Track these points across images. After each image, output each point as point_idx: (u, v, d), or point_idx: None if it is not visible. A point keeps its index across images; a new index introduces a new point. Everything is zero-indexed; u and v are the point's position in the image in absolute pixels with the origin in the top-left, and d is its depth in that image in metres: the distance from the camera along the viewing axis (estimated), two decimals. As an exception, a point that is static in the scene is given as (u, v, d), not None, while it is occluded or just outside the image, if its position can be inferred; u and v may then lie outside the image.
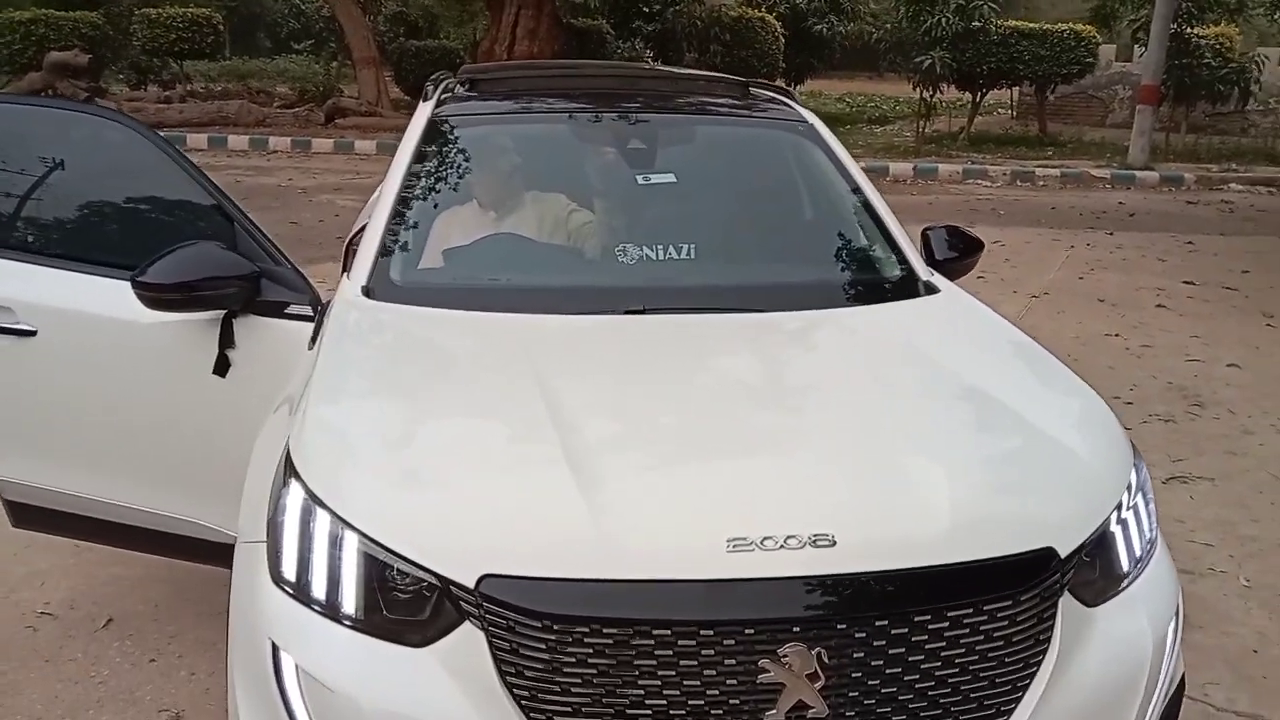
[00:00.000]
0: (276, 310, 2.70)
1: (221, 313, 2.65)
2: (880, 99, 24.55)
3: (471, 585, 1.64)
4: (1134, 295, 7.68)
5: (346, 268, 3.95)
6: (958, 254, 3.07)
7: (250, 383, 2.68)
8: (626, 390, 2.17)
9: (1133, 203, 12.37)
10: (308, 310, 2.69)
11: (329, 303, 2.66)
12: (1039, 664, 1.74)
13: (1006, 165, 14.58)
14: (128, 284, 2.54)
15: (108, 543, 3.10)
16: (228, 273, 2.58)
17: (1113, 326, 6.79)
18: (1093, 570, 1.86)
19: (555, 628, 1.62)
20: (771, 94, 3.52)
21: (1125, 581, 1.91)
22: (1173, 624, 1.97)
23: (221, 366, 2.70)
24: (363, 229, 3.71)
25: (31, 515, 2.99)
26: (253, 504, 2.03)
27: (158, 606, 3.29)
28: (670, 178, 3.01)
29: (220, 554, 2.89)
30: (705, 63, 17.51)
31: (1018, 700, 1.73)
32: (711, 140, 3.24)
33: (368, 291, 2.58)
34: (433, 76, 3.60)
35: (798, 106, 3.43)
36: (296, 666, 1.72)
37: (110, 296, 2.70)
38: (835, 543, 1.68)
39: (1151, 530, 2.03)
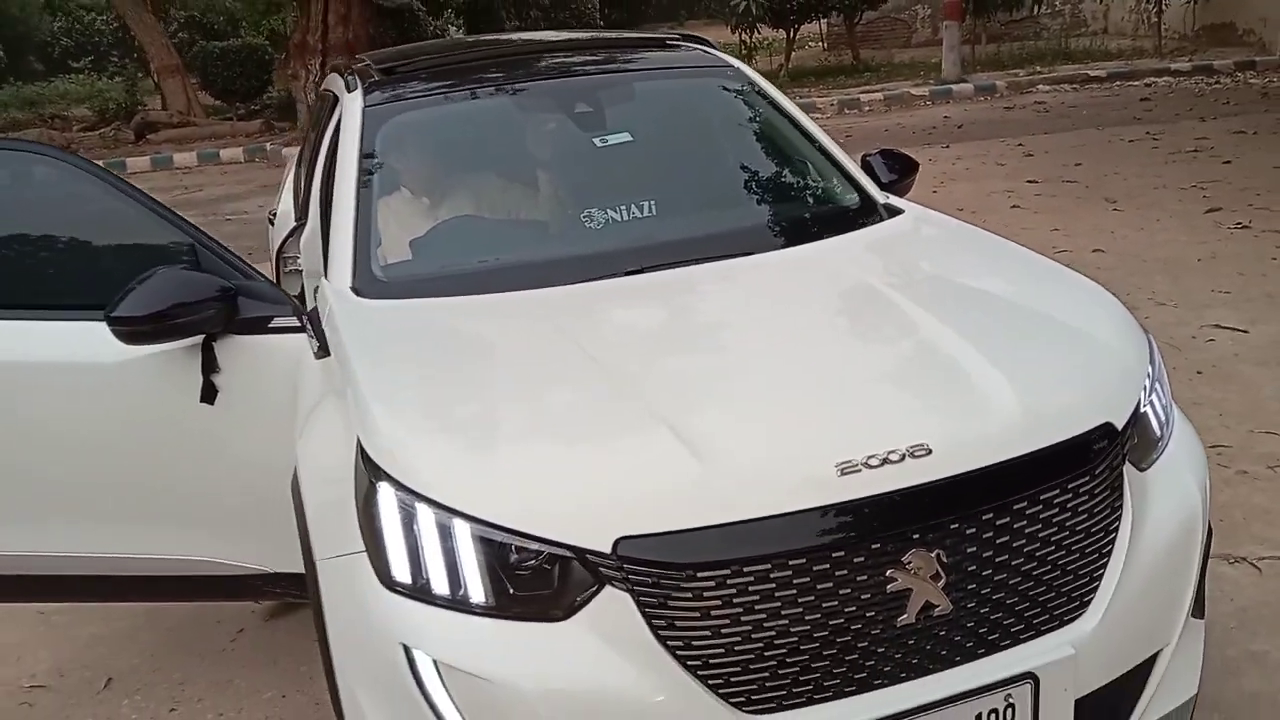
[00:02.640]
0: (259, 327, 2.58)
1: (199, 338, 2.54)
2: (693, 46, 24.90)
3: (608, 550, 1.67)
4: (988, 200, 8.10)
5: (280, 276, 3.83)
6: (897, 175, 3.22)
7: (242, 406, 2.58)
8: (674, 344, 2.20)
9: (956, 115, 12.99)
10: (293, 322, 2.60)
11: (314, 310, 2.58)
12: (1117, 529, 1.89)
13: (832, 95, 15.05)
14: (86, 326, 2.45)
15: (96, 599, 2.95)
16: (202, 295, 2.46)
17: (980, 232, 7.15)
18: (1134, 438, 2.02)
19: (700, 575, 1.66)
20: (689, 44, 3.56)
21: (1162, 443, 2.09)
22: (1207, 476, 2.16)
23: (209, 393, 2.58)
24: (292, 233, 3.59)
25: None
26: (326, 520, 1.98)
27: (154, 656, 3.14)
28: (626, 136, 3.01)
29: (232, 588, 2.79)
30: (528, 29, 17.34)
31: (1105, 565, 1.87)
32: (652, 95, 3.25)
33: (357, 291, 2.51)
34: (346, 69, 3.49)
35: (718, 53, 3.49)
36: (436, 664, 1.70)
37: (68, 341, 2.57)
38: (930, 451, 1.77)
39: (1168, 396, 2.21)
